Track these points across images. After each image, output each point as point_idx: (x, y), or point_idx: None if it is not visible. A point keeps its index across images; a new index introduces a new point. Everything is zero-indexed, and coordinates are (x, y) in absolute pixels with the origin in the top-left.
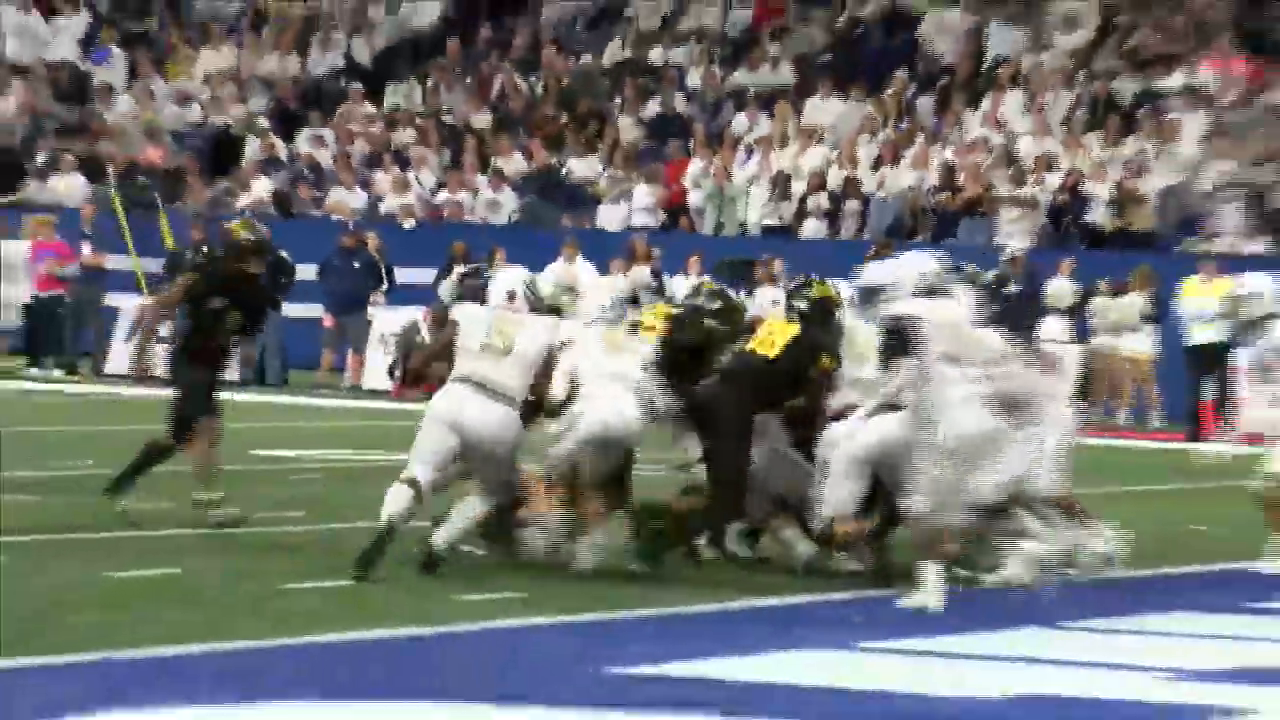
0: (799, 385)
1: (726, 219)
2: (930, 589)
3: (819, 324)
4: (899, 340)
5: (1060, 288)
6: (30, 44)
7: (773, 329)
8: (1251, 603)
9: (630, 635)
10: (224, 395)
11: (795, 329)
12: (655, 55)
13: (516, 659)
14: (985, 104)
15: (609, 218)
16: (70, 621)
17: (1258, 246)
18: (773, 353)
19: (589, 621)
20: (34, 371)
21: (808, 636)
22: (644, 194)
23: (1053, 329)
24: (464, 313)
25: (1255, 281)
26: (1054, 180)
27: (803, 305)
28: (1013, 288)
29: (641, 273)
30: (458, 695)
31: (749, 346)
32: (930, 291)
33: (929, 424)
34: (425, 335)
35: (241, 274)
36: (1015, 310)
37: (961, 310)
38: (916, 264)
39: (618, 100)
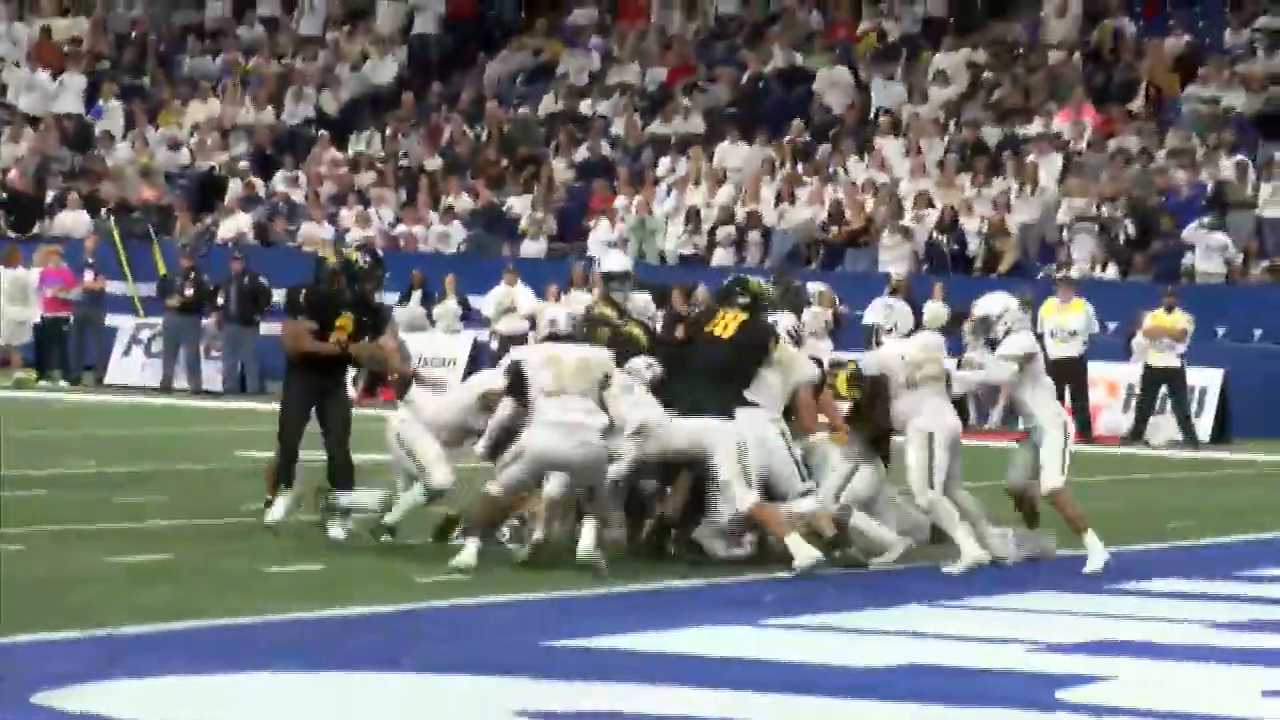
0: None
1: (647, 249)
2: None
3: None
4: (514, 379)
5: (935, 310)
6: (40, 98)
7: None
8: (1108, 584)
9: (563, 613)
10: (210, 404)
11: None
12: (584, 107)
13: (464, 633)
14: (870, 149)
15: (530, 250)
16: (73, 601)
17: (1106, 273)
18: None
19: (528, 601)
20: (43, 383)
21: (719, 614)
22: (604, 229)
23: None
24: None
25: (989, 302)
26: (931, 216)
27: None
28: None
29: (580, 297)
30: (414, 665)
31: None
32: (556, 336)
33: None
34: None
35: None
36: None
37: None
38: (548, 314)
39: (552, 146)
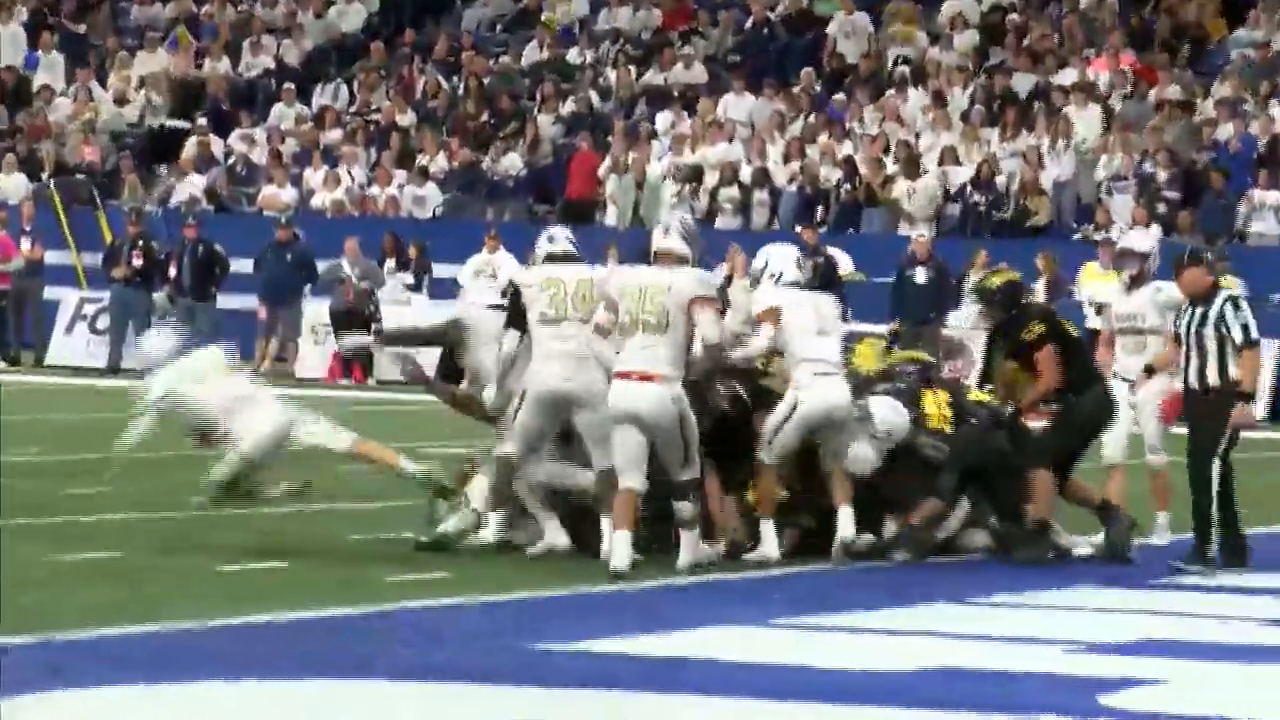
0: None
1: (645, 211)
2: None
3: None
4: (513, 305)
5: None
6: None
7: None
8: (1152, 579)
9: (554, 614)
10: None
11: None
12: (572, 56)
13: (442, 637)
14: (887, 100)
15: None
16: (12, 603)
17: (1148, 235)
18: None
19: (512, 600)
20: None
21: (725, 614)
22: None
23: (967, 315)
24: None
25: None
26: (958, 173)
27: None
28: (920, 277)
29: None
30: (387, 673)
31: None
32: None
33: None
34: (348, 271)
35: None
36: (922, 297)
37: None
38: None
39: (536, 99)
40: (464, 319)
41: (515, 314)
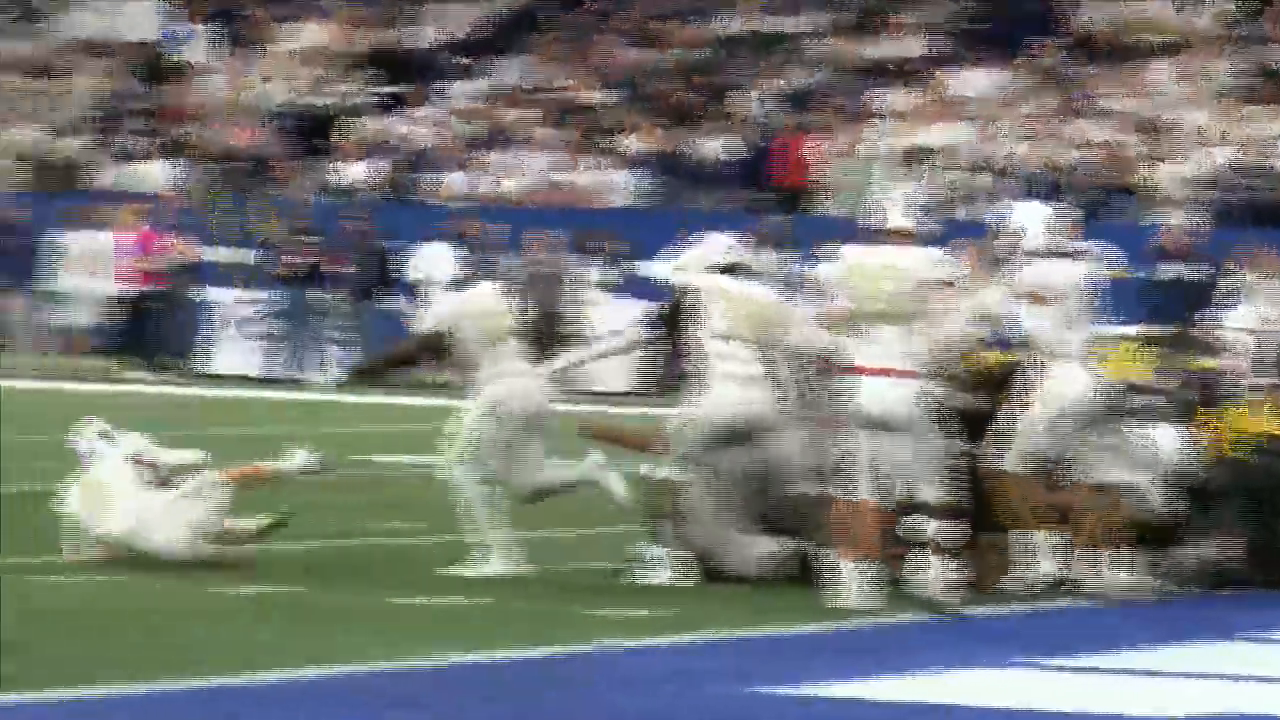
0: None
1: (865, 199)
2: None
3: None
4: (676, 311)
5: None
6: (107, 21)
7: None
8: None
9: (776, 654)
10: (328, 397)
11: None
12: (783, 25)
13: (650, 680)
14: (1136, 73)
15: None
16: (171, 643)
17: None
18: None
19: (731, 640)
20: (126, 374)
21: (981, 653)
22: None
23: (1242, 317)
24: None
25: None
26: (1219, 154)
27: None
28: (1177, 272)
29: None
30: None
31: None
32: (729, 268)
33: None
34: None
35: None
36: (1179, 294)
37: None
38: (716, 242)
39: (743, 74)
40: (452, 327)
41: (673, 317)
